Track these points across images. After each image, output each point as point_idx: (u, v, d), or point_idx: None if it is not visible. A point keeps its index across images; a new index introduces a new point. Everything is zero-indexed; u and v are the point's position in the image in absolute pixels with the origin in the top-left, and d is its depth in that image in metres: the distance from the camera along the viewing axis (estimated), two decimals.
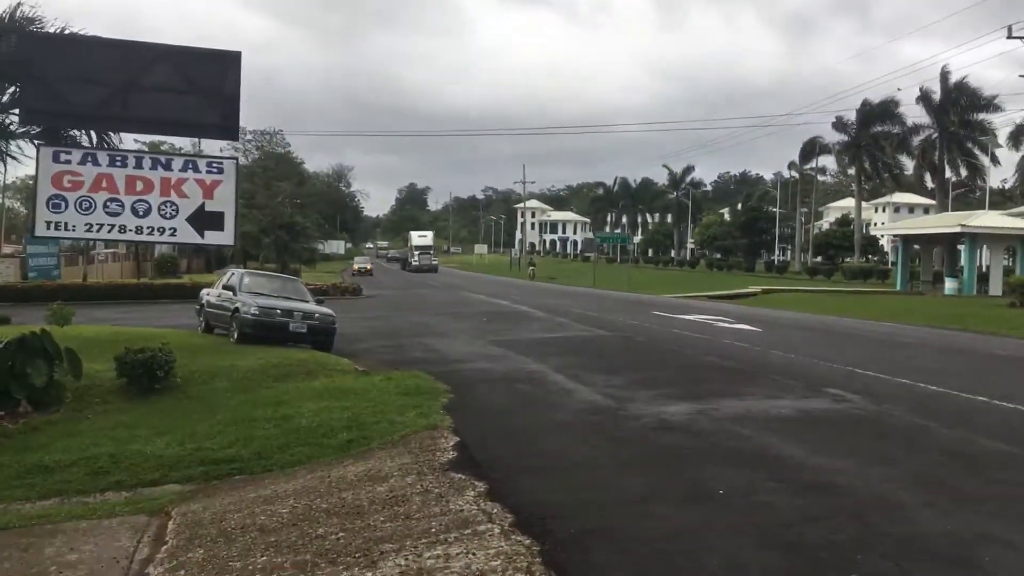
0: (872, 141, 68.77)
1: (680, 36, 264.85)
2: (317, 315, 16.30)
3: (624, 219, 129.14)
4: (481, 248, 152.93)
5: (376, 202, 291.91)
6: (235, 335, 15.95)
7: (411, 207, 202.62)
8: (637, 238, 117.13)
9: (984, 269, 47.18)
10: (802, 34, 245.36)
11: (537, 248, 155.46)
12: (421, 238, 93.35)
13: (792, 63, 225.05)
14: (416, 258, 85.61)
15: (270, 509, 6.75)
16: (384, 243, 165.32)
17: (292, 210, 57.74)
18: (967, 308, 31.94)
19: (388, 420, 9.31)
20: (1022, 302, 32.83)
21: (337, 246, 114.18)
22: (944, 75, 60.87)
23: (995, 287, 44.31)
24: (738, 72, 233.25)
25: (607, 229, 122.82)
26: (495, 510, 5.93)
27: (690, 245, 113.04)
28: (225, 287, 17.53)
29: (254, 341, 15.34)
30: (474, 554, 5.14)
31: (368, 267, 68.87)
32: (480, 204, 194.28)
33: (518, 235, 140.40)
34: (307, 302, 17.08)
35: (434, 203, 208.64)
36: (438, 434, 8.48)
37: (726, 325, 21.36)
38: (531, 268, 77.83)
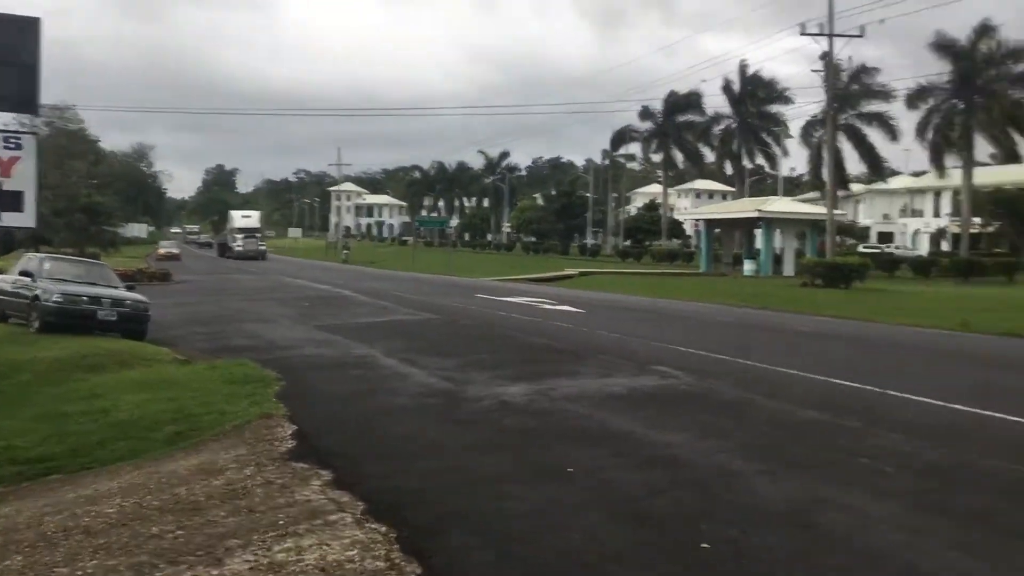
0: (677, 130, 72.13)
1: (495, 20, 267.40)
2: (128, 301, 15.35)
3: (441, 203, 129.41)
4: (295, 232, 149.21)
5: (182, 183, 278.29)
6: (36, 324, 14.79)
7: (219, 189, 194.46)
8: (454, 222, 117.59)
9: (779, 251, 50.53)
10: (613, 24, 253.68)
11: (353, 232, 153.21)
12: (245, 219, 77.38)
13: (603, 53, 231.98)
14: (239, 242, 71.28)
15: (94, 510, 6.26)
16: (194, 227, 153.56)
17: (89, 191, 54.05)
18: (765, 288, 34.13)
19: (217, 410, 8.86)
20: (813, 282, 35.45)
21: (139, 229, 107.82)
22: (742, 68, 64.59)
23: (788, 268, 47.60)
24: (553, 60, 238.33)
25: (424, 213, 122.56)
26: (344, 499, 5.75)
27: (506, 229, 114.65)
28: (22, 273, 16.19)
29: (58, 331, 14.28)
30: (328, 545, 4.95)
31: (175, 252, 65.42)
32: (293, 187, 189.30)
33: (333, 219, 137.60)
34: (116, 288, 16.05)
35: (244, 185, 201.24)
36: (273, 423, 8.15)
37: (550, 307, 21.81)
38: (345, 252, 76.85)
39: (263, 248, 71.11)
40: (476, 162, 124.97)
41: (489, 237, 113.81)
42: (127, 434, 8.26)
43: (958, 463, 6.68)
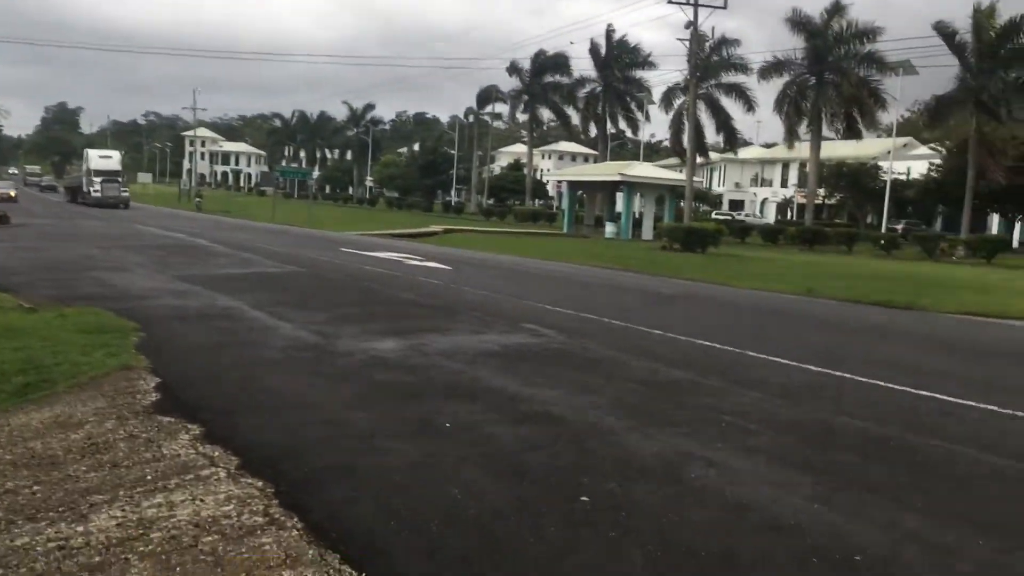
0: (544, 90, 72.60)
1: None
2: None
3: (303, 154, 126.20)
4: (145, 177, 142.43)
5: (19, 120, 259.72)
6: None
7: (61, 128, 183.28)
8: (316, 174, 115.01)
9: (638, 215, 51.83)
10: None
11: (208, 180, 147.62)
12: (104, 160, 66.29)
13: (475, 9, 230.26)
14: (97, 187, 61.85)
15: None
16: (34, 167, 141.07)
17: None
18: (626, 250, 34.99)
19: (70, 361, 8.37)
20: (672, 246, 36.61)
21: None
22: (608, 33, 65.48)
23: (647, 232, 48.97)
24: (423, 13, 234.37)
25: (284, 163, 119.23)
26: (216, 453, 5.58)
27: (369, 183, 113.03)
28: None
29: None
30: (202, 500, 4.80)
31: (12, 193, 61.19)
32: (143, 130, 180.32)
33: (187, 165, 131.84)
34: None
35: (88, 126, 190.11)
36: (134, 375, 7.79)
37: (417, 263, 21.67)
38: (198, 200, 74.46)
39: (126, 195, 62.94)
40: (340, 113, 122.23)
41: (351, 191, 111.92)
42: None
43: (814, 420, 7.07)
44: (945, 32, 46.56)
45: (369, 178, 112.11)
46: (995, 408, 7.66)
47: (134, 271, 17.10)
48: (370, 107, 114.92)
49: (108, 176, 62.78)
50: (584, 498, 4.90)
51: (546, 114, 77.72)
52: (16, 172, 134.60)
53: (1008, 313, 16.82)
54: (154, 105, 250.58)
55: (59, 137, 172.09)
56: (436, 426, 6.31)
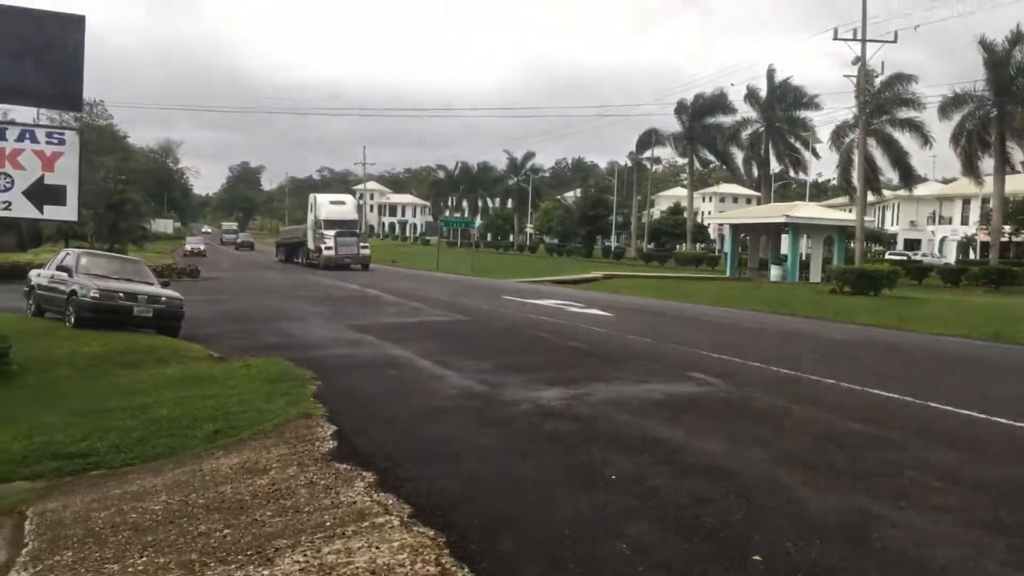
0: (705, 132, 71.87)
1: (523, 19, 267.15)
2: (164, 298, 15.48)
3: (465, 203, 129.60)
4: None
5: (207, 180, 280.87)
6: (72, 319, 14.93)
7: (244, 186, 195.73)
8: (478, 222, 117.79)
9: (805, 257, 50.19)
10: (643, 24, 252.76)
11: (376, 231, 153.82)
12: (337, 207, 52.06)
13: (632, 53, 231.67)
14: (330, 242, 46.93)
15: (141, 506, 6.31)
16: (231, 224, 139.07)
17: (119, 186, 54.68)
18: (793, 294, 33.89)
19: (256, 409, 8.91)
20: (842, 289, 35.18)
21: (165, 225, 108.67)
22: (770, 73, 64.30)
23: (815, 274, 47.30)
24: (581, 60, 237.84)
25: (447, 213, 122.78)
26: (390, 501, 5.76)
27: (529, 230, 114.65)
28: (60, 268, 16.37)
29: (94, 326, 14.42)
30: (377, 548, 4.96)
31: (201, 248, 65.85)
32: (317, 185, 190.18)
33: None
34: (152, 284, 16.19)
35: (268, 182, 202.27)
36: (313, 423, 8.18)
37: (578, 310, 21.76)
38: None
39: (366, 252, 48.57)
40: (499, 162, 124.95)
41: (512, 238, 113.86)
42: (168, 431, 8.31)
43: (1006, 477, 6.59)
44: None
45: (529, 225, 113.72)
46: None
47: (311, 321, 18.00)
48: (530, 155, 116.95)
49: (343, 228, 48.78)
50: (756, 557, 4.75)
51: (706, 156, 76.79)
52: (210, 229, 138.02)
53: None
54: (328, 161, 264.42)
55: (242, 194, 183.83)
56: (603, 477, 6.29)
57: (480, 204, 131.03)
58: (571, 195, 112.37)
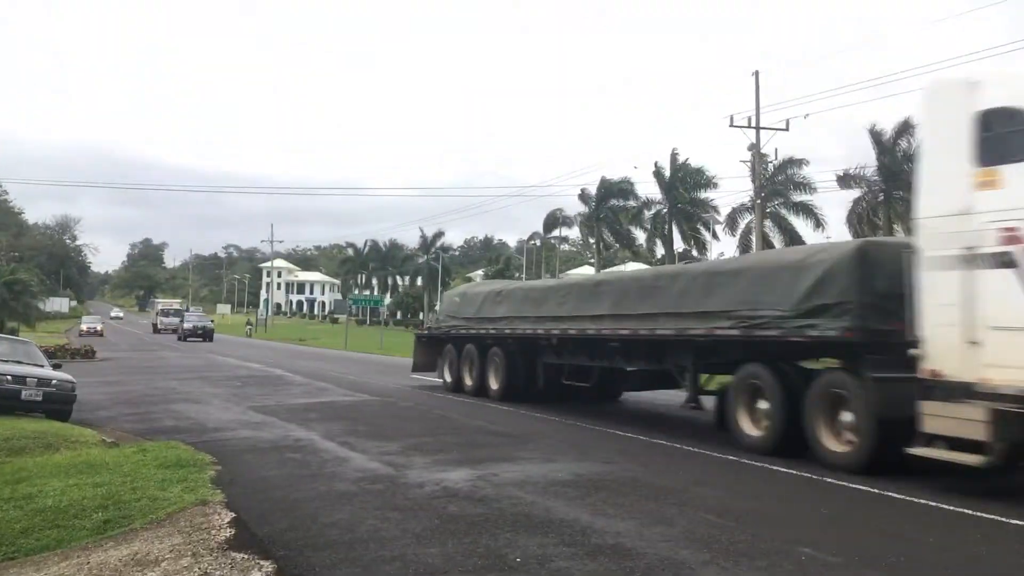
0: (610, 213, 73.71)
1: (435, 103, 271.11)
2: (55, 381, 14.87)
3: (375, 281, 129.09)
4: (224, 308, 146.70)
5: (108, 257, 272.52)
6: None
7: (145, 263, 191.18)
8: (387, 301, 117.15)
9: None
10: (550, 107, 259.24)
11: (283, 309, 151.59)
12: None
13: (542, 133, 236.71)
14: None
15: None
16: (172, 301, 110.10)
17: (11, 264, 52.71)
18: None
19: (149, 497, 8.56)
20: None
21: (61, 304, 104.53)
22: (673, 156, 66.66)
23: None
24: (493, 143, 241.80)
25: (356, 291, 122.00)
26: None
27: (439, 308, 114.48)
28: None
29: None
30: None
31: (99, 328, 63.53)
32: (223, 262, 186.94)
33: (263, 295, 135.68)
34: (42, 367, 15.55)
35: (171, 260, 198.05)
36: (210, 510, 7.91)
37: None
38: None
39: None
40: (411, 240, 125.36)
41: (422, 316, 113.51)
42: (54, 522, 7.90)
43: (908, 554, 6.78)
44: None
45: (439, 303, 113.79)
46: None
47: (211, 403, 17.50)
48: (440, 234, 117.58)
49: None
50: None
51: (611, 237, 78.53)
52: (121, 313, 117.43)
53: None
54: (234, 238, 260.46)
55: (143, 272, 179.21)
56: (507, 561, 6.24)
57: (390, 282, 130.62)
58: (480, 273, 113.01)
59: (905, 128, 52.31)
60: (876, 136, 53.23)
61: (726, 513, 7.92)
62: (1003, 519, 7.79)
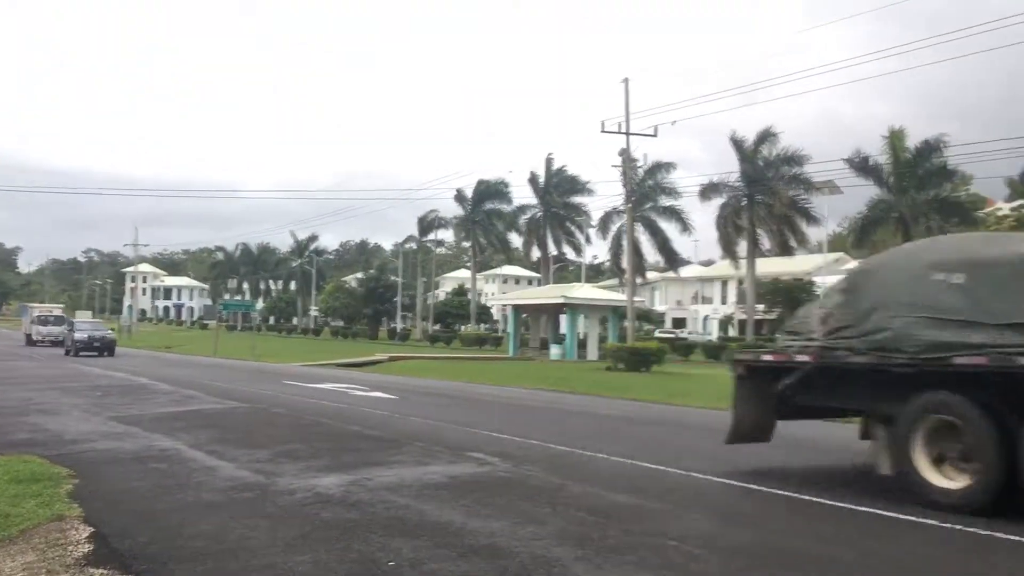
0: (486, 217, 74.15)
1: (309, 105, 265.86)
2: None
3: (246, 286, 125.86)
4: (85, 314, 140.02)
5: None
6: None
7: None
8: (259, 306, 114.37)
9: (583, 336, 52.30)
10: (427, 109, 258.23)
11: (149, 315, 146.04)
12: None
13: (417, 135, 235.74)
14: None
15: None
16: (55, 308, 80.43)
17: None
18: (571, 372, 35.15)
19: (1, 514, 8.10)
20: (616, 366, 36.86)
21: None
22: (548, 161, 67.73)
23: (592, 352, 49.34)
24: (366, 147, 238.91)
25: (227, 296, 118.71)
26: None
27: (314, 312, 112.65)
28: None
29: None
30: None
31: None
32: (83, 267, 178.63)
33: (127, 301, 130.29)
34: None
35: (26, 264, 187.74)
36: (67, 525, 7.54)
37: (361, 393, 21.51)
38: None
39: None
40: (284, 244, 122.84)
41: (296, 321, 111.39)
42: None
43: (762, 542, 7.09)
44: (857, 164, 49.32)
45: (314, 308, 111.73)
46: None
47: (70, 414, 16.69)
48: (313, 237, 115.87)
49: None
50: None
51: (488, 240, 79.05)
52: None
53: None
54: (96, 242, 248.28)
55: None
56: (380, 565, 6.20)
57: (262, 287, 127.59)
58: (356, 277, 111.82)
59: (766, 136, 54.73)
60: (738, 144, 55.51)
61: (597, 510, 8.09)
62: None
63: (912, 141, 49.47)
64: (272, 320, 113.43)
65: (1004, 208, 67.62)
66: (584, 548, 6.68)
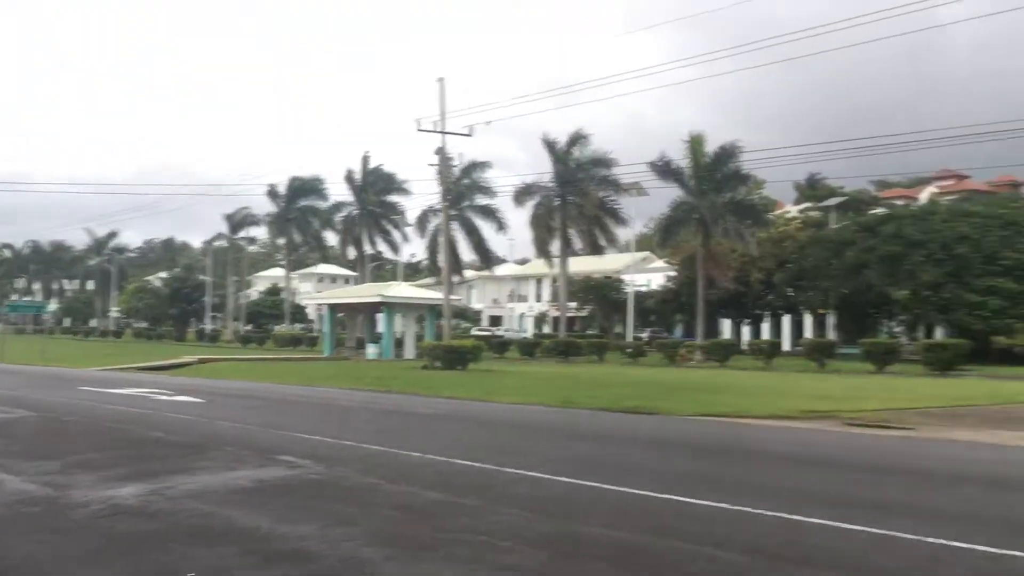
0: (301, 214, 72.55)
1: (110, 99, 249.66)
2: None
3: (37, 285, 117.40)
4: None
5: None
6: None
7: None
8: (52, 307, 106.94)
9: (400, 335, 52.16)
10: (236, 107, 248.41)
11: None
12: None
13: (230, 135, 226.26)
14: None
15: None
16: None
17: None
18: (389, 371, 34.96)
19: None
20: (433, 364, 36.98)
21: None
22: (365, 159, 67.10)
23: (409, 351, 49.33)
24: (178, 140, 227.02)
25: (15, 296, 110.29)
26: None
27: (114, 314, 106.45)
28: None
29: None
30: None
31: None
32: None
33: None
34: None
35: None
36: None
37: (165, 398, 20.52)
38: None
39: None
40: (80, 241, 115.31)
41: (94, 323, 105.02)
42: None
43: (565, 533, 7.31)
44: (660, 168, 51.84)
45: (115, 308, 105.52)
46: (726, 506, 8.27)
47: None
48: (113, 234, 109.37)
49: None
50: None
51: (302, 238, 77.30)
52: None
53: (740, 412, 18.27)
54: None
55: None
56: (180, 575, 5.95)
57: (56, 287, 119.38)
58: (160, 276, 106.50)
59: (577, 138, 56.45)
60: (550, 146, 56.99)
61: (409, 508, 8.10)
62: None
63: (712, 146, 52.42)
64: (68, 322, 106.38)
65: (792, 210, 73.09)
66: (394, 547, 6.67)
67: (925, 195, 73.98)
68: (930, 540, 6.88)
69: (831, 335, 54.14)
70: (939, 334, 47.80)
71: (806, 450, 13.39)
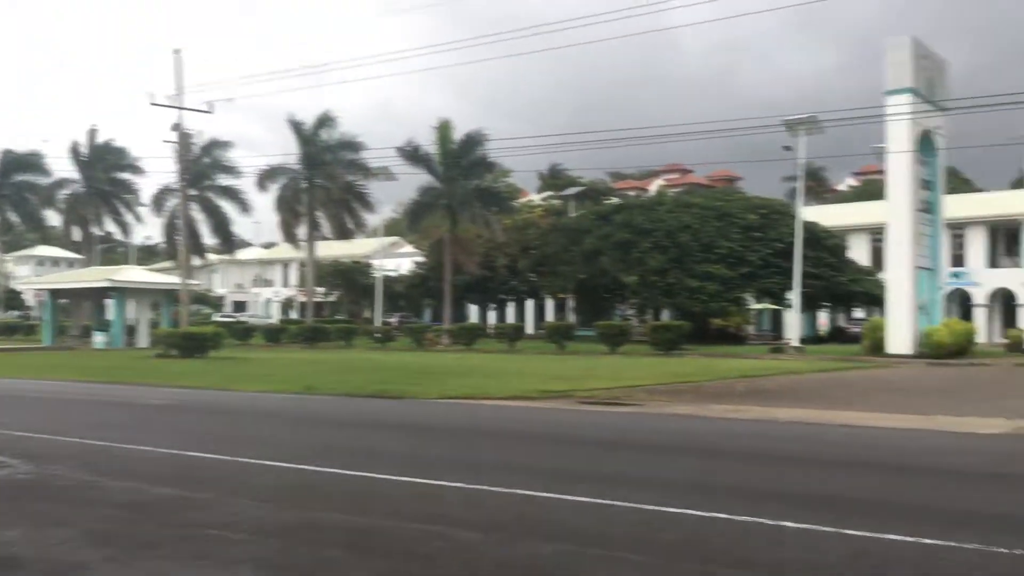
0: (16, 191, 66.01)
1: None
2: None
3: None
4: None
5: None
6: None
7: None
8: None
9: (133, 322, 49.03)
10: None
11: None
12: None
13: None
14: None
15: None
16: None
17: None
18: (118, 361, 32.80)
19: None
20: (169, 353, 35.09)
21: None
22: (92, 133, 62.14)
23: (143, 339, 46.59)
24: None
25: None
26: None
27: None
28: None
29: None
30: None
31: None
32: None
33: None
34: None
35: None
36: None
37: None
38: None
39: None
40: None
41: None
42: None
43: (301, 520, 7.18)
44: (408, 153, 52.14)
45: None
46: (462, 485, 8.48)
47: None
48: None
49: None
50: None
51: (19, 218, 70.38)
52: None
53: (483, 394, 18.78)
54: None
55: None
56: None
57: None
58: None
59: (325, 120, 55.50)
60: (297, 127, 55.68)
61: (132, 505, 7.63)
62: None
63: (460, 134, 53.31)
64: None
65: (536, 199, 76.03)
66: (114, 547, 6.26)
67: (654, 187, 79.60)
68: (647, 507, 7.41)
69: (571, 318, 56.85)
70: (665, 316, 51.46)
71: (541, 428, 13.99)
